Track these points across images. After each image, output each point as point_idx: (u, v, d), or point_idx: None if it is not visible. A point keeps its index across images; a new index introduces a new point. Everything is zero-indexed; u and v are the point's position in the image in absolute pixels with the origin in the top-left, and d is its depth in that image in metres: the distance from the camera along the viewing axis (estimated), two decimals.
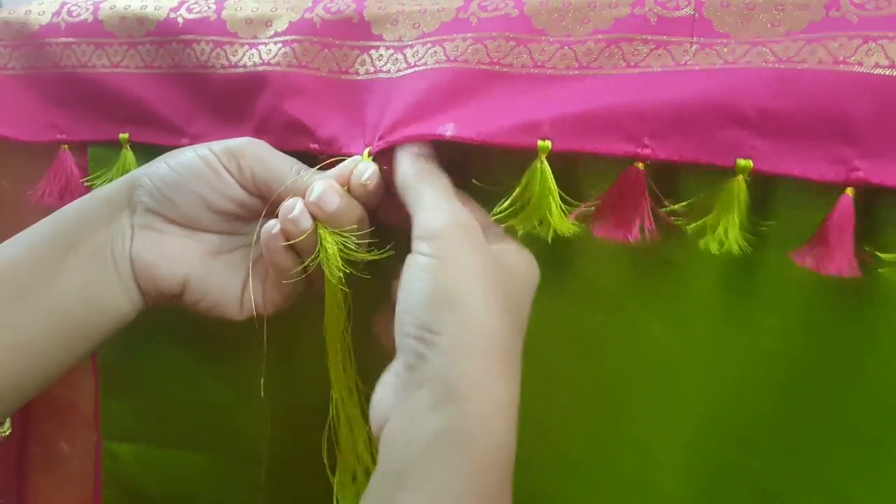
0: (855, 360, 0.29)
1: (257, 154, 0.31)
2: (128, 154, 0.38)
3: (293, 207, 0.29)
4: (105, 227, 0.31)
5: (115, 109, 0.38)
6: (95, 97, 0.38)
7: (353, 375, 0.34)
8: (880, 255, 0.26)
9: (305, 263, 0.31)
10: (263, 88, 0.34)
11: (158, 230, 0.32)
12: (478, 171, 0.31)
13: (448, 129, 0.29)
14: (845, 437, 0.30)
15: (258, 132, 0.35)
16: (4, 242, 0.31)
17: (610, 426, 0.34)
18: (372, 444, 0.35)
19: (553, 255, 0.31)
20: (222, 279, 0.32)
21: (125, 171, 0.38)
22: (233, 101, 0.35)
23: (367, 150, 0.31)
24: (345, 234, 0.29)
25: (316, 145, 0.33)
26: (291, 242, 0.30)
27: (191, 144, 0.36)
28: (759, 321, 0.30)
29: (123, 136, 0.38)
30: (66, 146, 0.39)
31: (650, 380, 0.32)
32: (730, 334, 0.31)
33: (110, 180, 0.39)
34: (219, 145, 0.31)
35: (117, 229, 0.32)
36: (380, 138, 0.30)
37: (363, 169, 0.30)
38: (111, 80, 0.37)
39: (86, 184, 0.39)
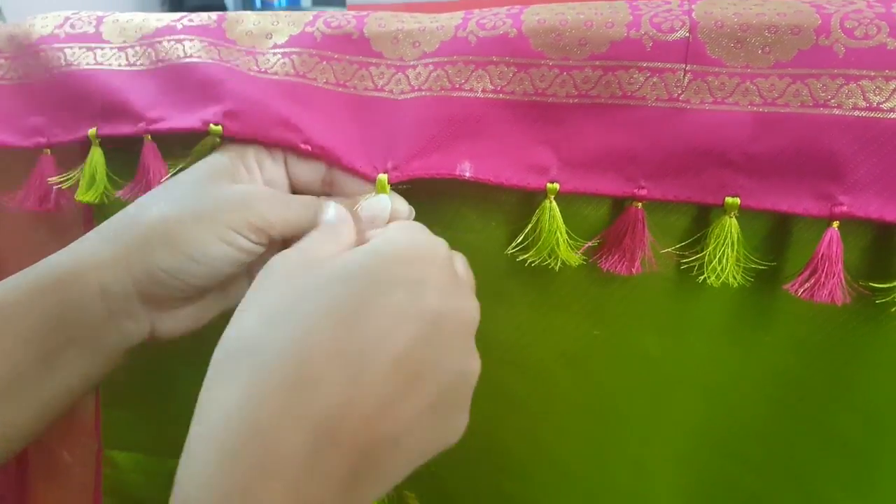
0: (845, 376, 0.32)
1: (282, 217, 0.30)
2: (96, 151, 0.38)
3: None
4: (105, 321, 0.29)
5: (88, 105, 0.38)
6: (72, 96, 0.38)
7: None
8: (874, 285, 0.29)
9: None
10: (246, 81, 0.35)
11: (183, 306, 0.32)
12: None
13: (466, 170, 0.32)
14: (836, 449, 0.33)
15: (229, 117, 0.34)
16: None
17: (605, 440, 0.37)
18: None
19: (549, 272, 0.34)
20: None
21: (93, 169, 0.38)
22: (204, 87, 0.35)
23: (382, 177, 0.33)
24: None
25: (308, 147, 0.33)
26: None
27: (146, 130, 0.36)
28: (753, 338, 0.33)
29: (91, 131, 0.37)
30: (49, 151, 0.39)
31: (645, 394, 0.35)
32: (724, 350, 0.34)
33: (77, 180, 0.39)
34: (244, 223, 0.29)
35: (128, 321, 0.30)
36: (395, 168, 0.33)
37: (405, 212, 0.33)
38: (89, 76, 0.37)
39: (53, 185, 0.39)
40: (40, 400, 0.28)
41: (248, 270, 0.33)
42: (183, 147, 0.36)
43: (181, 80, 0.36)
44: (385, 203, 0.32)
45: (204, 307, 0.32)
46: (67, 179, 0.39)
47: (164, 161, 0.36)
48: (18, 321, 0.28)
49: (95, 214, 0.42)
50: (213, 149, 0.34)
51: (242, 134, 0.33)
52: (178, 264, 0.29)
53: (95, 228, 0.31)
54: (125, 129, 0.36)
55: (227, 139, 0.34)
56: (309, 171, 0.34)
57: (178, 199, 0.30)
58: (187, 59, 0.36)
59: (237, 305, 0.30)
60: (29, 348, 0.28)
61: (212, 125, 0.34)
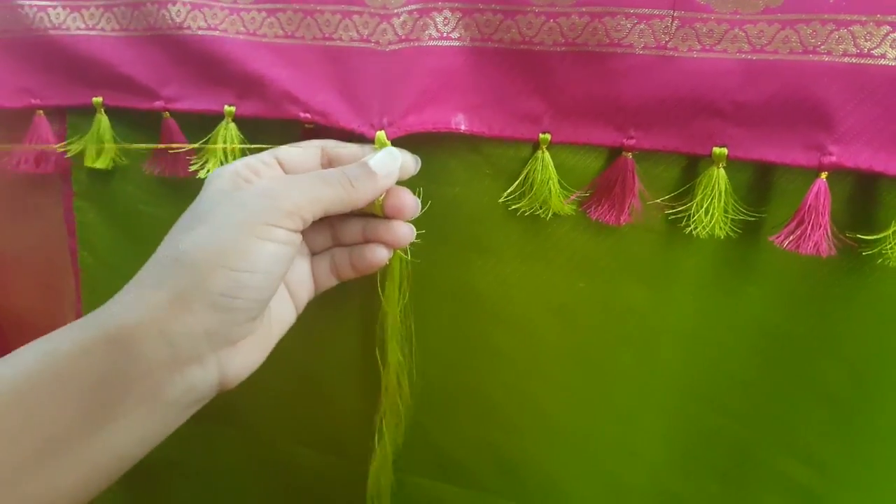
0: (830, 327, 0.32)
1: (308, 197, 0.29)
2: (102, 118, 0.39)
3: (411, 235, 0.33)
4: (168, 367, 0.27)
5: (88, 73, 0.39)
6: (69, 61, 0.39)
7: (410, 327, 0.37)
8: (862, 236, 0.29)
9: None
10: (247, 56, 0.35)
11: (251, 332, 0.30)
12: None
13: (461, 123, 0.33)
14: (821, 401, 0.33)
15: (240, 97, 0.36)
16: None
17: (592, 391, 0.37)
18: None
19: (534, 225, 0.34)
20: (283, 310, 0.33)
21: (100, 136, 0.39)
22: (211, 65, 0.36)
23: (381, 134, 0.33)
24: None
25: (307, 115, 0.35)
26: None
27: (164, 107, 0.37)
28: (739, 289, 0.33)
29: (97, 99, 0.39)
30: (42, 111, 0.39)
31: (631, 346, 0.35)
32: (710, 302, 0.34)
33: (84, 146, 0.39)
34: (273, 214, 0.28)
35: (192, 365, 0.28)
36: (391, 124, 0.33)
37: (413, 165, 0.33)
38: (85, 43, 0.38)
39: (61, 150, 0.40)
40: (89, 463, 0.25)
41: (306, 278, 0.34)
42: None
43: (185, 55, 0.36)
44: (396, 154, 0.32)
45: (267, 332, 0.31)
46: (72, 144, 0.40)
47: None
48: (70, 377, 0.25)
49: (74, 177, 0.42)
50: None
51: (253, 114, 0.36)
52: (232, 282, 0.27)
53: (134, 280, 0.28)
54: (138, 102, 0.38)
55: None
56: (305, 162, 0.33)
57: (204, 221, 0.29)
58: (184, 31, 0.36)
59: (280, 319, 0.32)
60: (80, 405, 0.25)
61: (226, 106, 0.36)
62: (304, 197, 0.29)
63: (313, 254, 0.35)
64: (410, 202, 0.32)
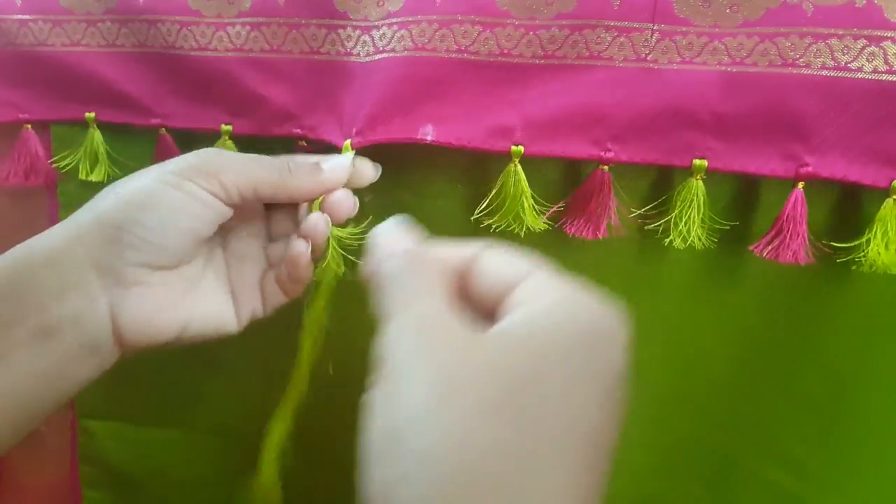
0: (809, 334, 0.33)
1: (234, 168, 0.30)
2: (95, 133, 0.39)
3: (322, 223, 0.31)
4: (57, 299, 0.27)
5: (78, 88, 0.39)
6: (56, 76, 0.39)
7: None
8: (836, 244, 0.30)
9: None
10: (239, 74, 0.36)
11: (147, 282, 0.29)
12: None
13: (428, 134, 0.32)
14: (800, 406, 0.34)
15: (234, 115, 0.37)
16: None
17: None
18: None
19: (515, 236, 0.33)
20: (214, 302, 0.32)
21: (93, 150, 0.39)
22: (205, 85, 0.37)
23: (347, 143, 0.33)
24: (347, 234, 0.32)
25: (299, 130, 0.35)
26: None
27: (162, 124, 0.38)
28: (718, 298, 0.33)
29: (89, 115, 0.39)
30: (29, 125, 0.40)
31: None
32: (690, 311, 0.34)
33: (78, 161, 0.39)
34: (190, 167, 0.29)
35: (80, 299, 0.27)
36: (357, 133, 0.33)
37: (370, 172, 0.33)
38: (71, 58, 0.38)
39: (53, 165, 0.40)
40: None
41: (222, 268, 0.33)
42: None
43: (179, 74, 0.37)
44: (345, 162, 0.32)
45: (176, 302, 0.30)
46: (64, 158, 0.40)
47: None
48: None
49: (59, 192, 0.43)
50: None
51: (248, 132, 0.36)
52: (124, 214, 0.28)
53: None
54: (133, 118, 0.38)
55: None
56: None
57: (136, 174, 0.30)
58: (176, 51, 0.36)
59: (206, 308, 0.31)
60: None
61: (223, 125, 0.37)
62: (231, 167, 0.30)
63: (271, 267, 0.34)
64: (344, 198, 0.32)
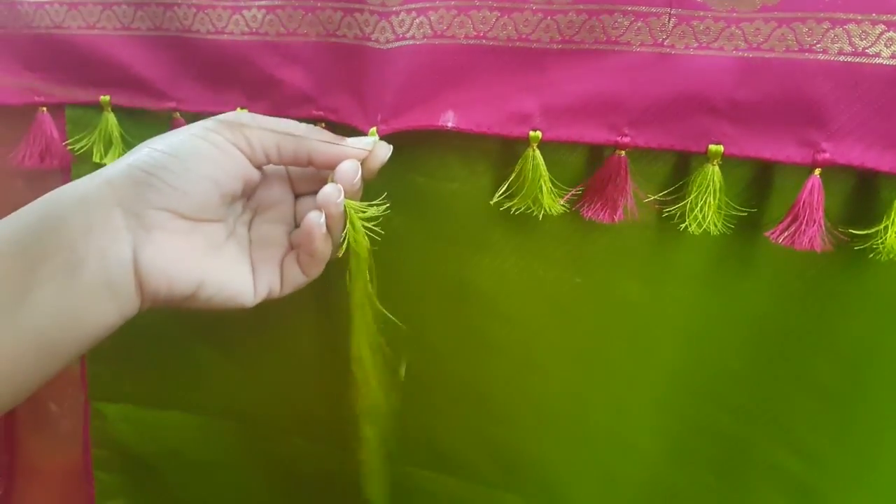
0: (824, 321, 0.33)
1: (259, 122, 0.32)
2: (109, 116, 0.40)
3: (337, 193, 0.31)
4: (84, 236, 0.28)
5: (93, 72, 0.39)
6: (72, 59, 0.39)
7: (378, 336, 0.36)
8: (853, 231, 0.29)
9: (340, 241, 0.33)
10: (255, 57, 0.36)
11: (169, 230, 0.30)
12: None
13: (449, 120, 0.33)
14: (812, 393, 0.34)
15: (251, 99, 0.37)
16: None
17: (586, 384, 0.37)
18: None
19: (531, 221, 0.34)
20: (233, 269, 0.32)
21: (107, 134, 0.40)
22: (221, 68, 0.37)
23: (373, 130, 0.33)
24: (364, 207, 0.32)
25: (320, 112, 0.36)
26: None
27: (176, 108, 0.38)
28: (733, 284, 0.33)
29: (104, 98, 0.39)
30: (45, 108, 0.40)
31: (627, 340, 0.36)
32: (704, 297, 0.34)
33: (92, 144, 0.40)
34: (216, 122, 0.31)
35: (105, 236, 0.28)
36: (383, 121, 0.33)
37: (385, 151, 0.33)
38: (87, 41, 0.38)
39: (67, 147, 0.40)
40: (9, 333, 0.26)
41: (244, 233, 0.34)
42: None
43: (195, 58, 0.37)
44: (369, 140, 0.33)
45: (188, 249, 0.31)
46: (79, 141, 0.40)
47: None
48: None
49: (73, 174, 0.43)
50: None
51: (266, 113, 0.35)
52: (150, 158, 0.30)
53: None
54: (148, 103, 0.39)
55: None
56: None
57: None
58: (192, 35, 0.36)
59: (225, 272, 0.32)
60: (2, 265, 0.27)
61: (239, 109, 0.37)
62: (255, 121, 0.32)
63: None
64: (351, 167, 0.32)
